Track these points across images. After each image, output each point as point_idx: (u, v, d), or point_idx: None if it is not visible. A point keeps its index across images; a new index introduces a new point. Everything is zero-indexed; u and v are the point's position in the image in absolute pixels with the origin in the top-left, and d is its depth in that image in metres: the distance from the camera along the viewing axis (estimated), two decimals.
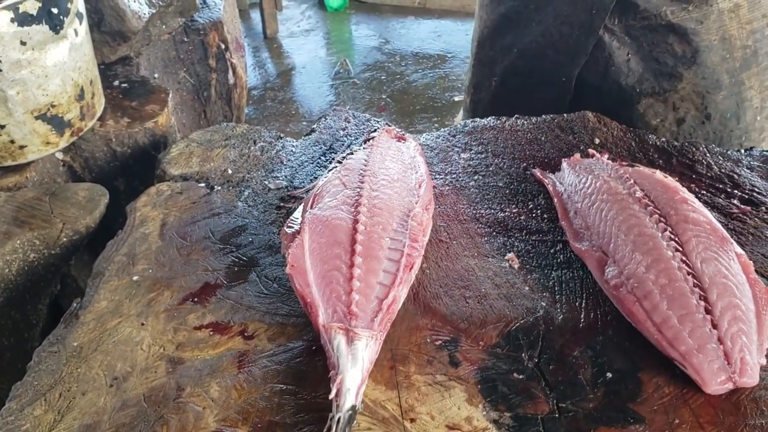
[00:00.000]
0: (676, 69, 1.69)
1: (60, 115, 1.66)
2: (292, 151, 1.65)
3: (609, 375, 1.04)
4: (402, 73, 4.91)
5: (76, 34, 1.66)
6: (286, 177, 1.56)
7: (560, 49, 1.82)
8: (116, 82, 1.99)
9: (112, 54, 2.05)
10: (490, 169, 1.56)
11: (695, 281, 1.09)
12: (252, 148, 1.66)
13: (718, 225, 1.21)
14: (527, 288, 1.21)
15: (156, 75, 2.16)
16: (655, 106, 1.64)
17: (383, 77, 4.85)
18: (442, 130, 1.72)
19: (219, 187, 1.51)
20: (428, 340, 1.11)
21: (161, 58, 2.21)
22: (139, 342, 1.13)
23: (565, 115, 1.71)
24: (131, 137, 1.75)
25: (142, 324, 1.16)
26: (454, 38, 5.39)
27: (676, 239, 1.16)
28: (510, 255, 1.29)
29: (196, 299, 1.21)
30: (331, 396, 0.95)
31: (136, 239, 1.36)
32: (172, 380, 1.06)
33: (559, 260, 1.28)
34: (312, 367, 1.07)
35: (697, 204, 1.26)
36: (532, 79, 1.93)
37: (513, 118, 1.73)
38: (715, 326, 1.03)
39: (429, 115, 4.34)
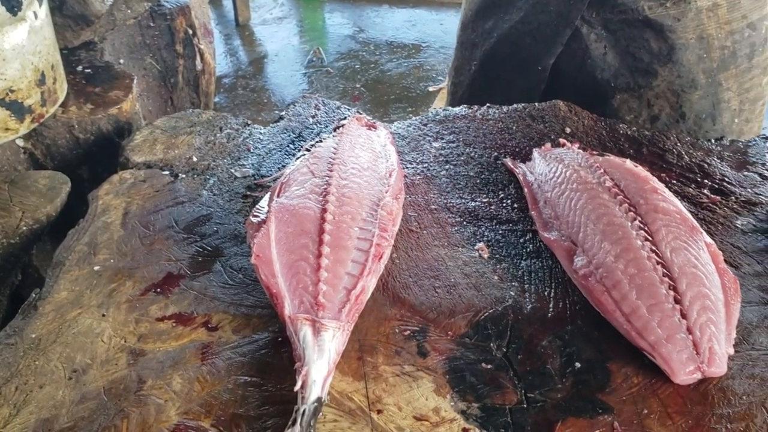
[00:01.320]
0: (651, 66, 1.69)
1: (19, 101, 1.62)
2: (259, 138, 1.62)
3: (577, 365, 1.04)
4: (376, 62, 4.87)
5: (36, 16, 1.62)
6: (252, 165, 1.53)
7: (537, 38, 1.81)
8: (79, 68, 1.94)
9: (75, 39, 2.00)
10: (462, 158, 1.54)
11: (665, 271, 1.09)
12: (218, 135, 1.62)
13: (688, 214, 1.21)
14: (496, 278, 1.20)
15: (121, 61, 2.11)
16: (629, 101, 1.64)
17: (357, 66, 4.82)
18: (414, 118, 1.70)
19: (183, 175, 1.48)
20: (397, 330, 1.10)
21: (126, 43, 2.16)
22: (99, 333, 1.10)
23: (536, 104, 1.71)
24: (94, 124, 1.71)
25: (103, 315, 1.13)
26: (429, 28, 5.36)
27: (646, 229, 1.16)
28: (480, 245, 1.28)
29: (158, 290, 1.18)
30: (297, 388, 0.93)
31: (98, 228, 1.32)
32: (133, 372, 1.03)
33: (528, 250, 1.27)
34: (277, 359, 1.05)
35: (667, 193, 1.26)
36: (509, 66, 1.92)
37: (485, 107, 1.71)
38: (684, 316, 1.03)
39: (403, 104, 4.32)
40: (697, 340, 1.01)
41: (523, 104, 1.71)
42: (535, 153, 1.48)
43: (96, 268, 1.23)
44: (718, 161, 1.50)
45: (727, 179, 1.44)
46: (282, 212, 1.18)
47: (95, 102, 1.77)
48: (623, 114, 1.66)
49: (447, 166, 1.51)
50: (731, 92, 1.64)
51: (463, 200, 1.40)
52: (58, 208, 1.48)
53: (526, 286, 1.18)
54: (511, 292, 1.17)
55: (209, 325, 1.11)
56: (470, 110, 1.70)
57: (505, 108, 1.70)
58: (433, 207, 1.38)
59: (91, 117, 1.71)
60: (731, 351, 1.02)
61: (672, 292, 1.06)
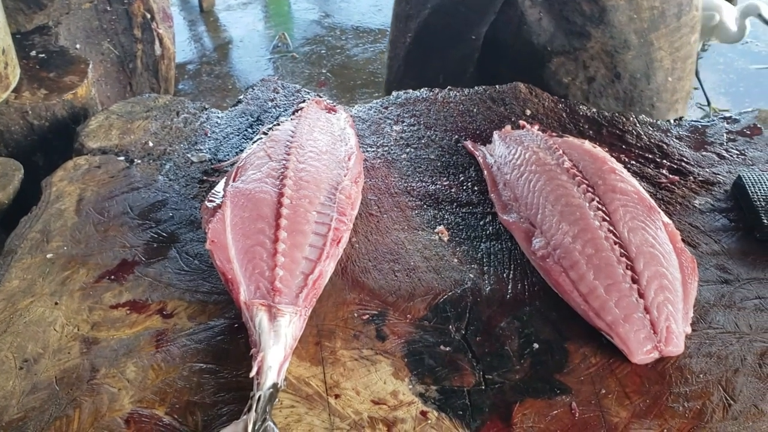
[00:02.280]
0: (584, 28, 1.70)
1: None
2: (216, 122, 1.59)
3: (536, 346, 1.04)
4: (342, 47, 4.83)
5: None
6: (210, 150, 1.50)
7: (471, 6, 1.82)
8: (33, 53, 1.89)
9: (28, 23, 1.95)
10: (422, 141, 1.53)
11: (622, 251, 1.09)
12: (175, 119, 1.59)
13: (646, 194, 1.22)
14: (456, 260, 1.20)
15: (77, 45, 2.06)
16: (566, 64, 1.66)
17: (323, 51, 4.77)
18: (374, 101, 1.68)
19: (139, 161, 1.45)
20: (355, 314, 1.09)
21: (82, 28, 2.11)
22: (52, 322, 1.08)
23: (497, 86, 1.70)
24: (49, 110, 1.67)
25: (56, 303, 1.11)
26: None
27: (604, 209, 1.16)
28: (440, 228, 1.27)
29: (112, 277, 1.16)
30: (252, 374, 0.92)
31: (51, 215, 1.29)
32: (86, 361, 1.01)
33: (488, 232, 1.26)
34: (234, 346, 1.04)
35: (626, 174, 1.26)
36: (444, 36, 1.93)
37: (446, 90, 1.70)
38: (641, 295, 1.04)
39: (370, 90, 4.29)
40: (655, 320, 1.01)
41: (483, 86, 1.70)
42: (496, 135, 1.47)
43: (49, 255, 1.20)
44: (677, 141, 1.50)
45: (685, 159, 1.45)
46: (238, 197, 1.16)
47: (50, 87, 1.72)
48: (561, 77, 1.68)
49: (408, 150, 1.50)
50: (663, 51, 1.67)
51: (423, 184, 1.39)
52: (10, 196, 1.44)
53: (486, 268, 1.18)
54: (471, 275, 1.16)
55: (164, 312, 1.09)
56: (431, 93, 1.69)
57: (466, 90, 1.70)
58: (393, 191, 1.37)
59: (45, 102, 1.67)
60: (688, 330, 1.03)
61: (629, 272, 1.06)
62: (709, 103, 3.57)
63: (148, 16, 2.28)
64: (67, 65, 1.79)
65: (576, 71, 1.65)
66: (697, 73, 3.56)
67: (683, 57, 1.75)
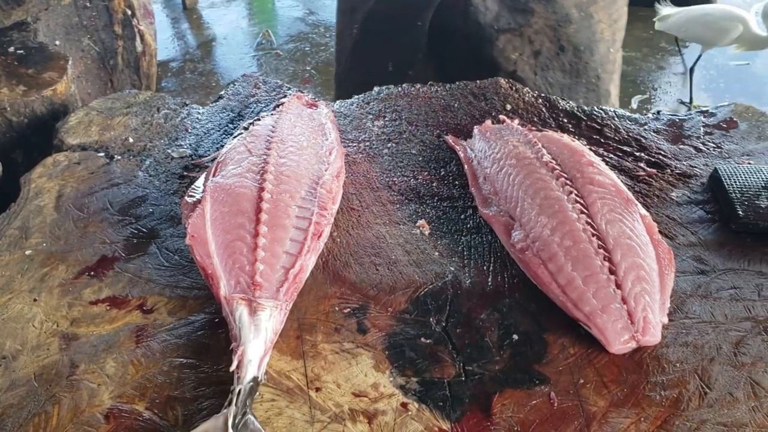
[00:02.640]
0: (527, 4, 1.72)
1: None
2: (197, 118, 1.59)
3: (515, 337, 1.04)
4: (326, 44, 4.83)
5: None
6: (190, 145, 1.50)
7: None
8: (11, 48, 1.87)
9: (6, 19, 1.93)
10: (404, 136, 1.53)
11: (600, 242, 1.10)
12: (155, 115, 1.59)
13: (623, 187, 1.23)
14: (437, 254, 1.20)
15: (57, 42, 2.05)
16: (513, 41, 1.68)
17: (307, 48, 4.77)
18: (356, 97, 1.69)
19: (119, 157, 1.45)
20: (337, 308, 1.09)
21: (62, 24, 2.10)
22: (30, 319, 1.07)
23: (477, 81, 1.71)
24: (28, 106, 1.66)
25: (35, 300, 1.10)
26: None
27: (582, 201, 1.17)
28: (421, 222, 1.28)
29: (92, 273, 1.15)
30: (233, 368, 0.92)
31: (30, 212, 1.29)
32: (65, 357, 1.01)
33: (468, 226, 1.27)
34: (214, 340, 1.04)
35: (603, 167, 1.27)
36: (390, 24, 1.95)
37: (427, 85, 1.71)
38: (618, 286, 1.05)
39: None
40: (632, 310, 1.02)
41: (464, 81, 1.71)
42: (476, 130, 1.48)
43: (28, 252, 1.19)
44: (655, 135, 1.52)
45: (662, 152, 1.46)
46: (218, 192, 1.16)
47: (28, 83, 1.71)
48: (509, 53, 1.70)
49: (389, 145, 1.51)
50: (603, 24, 1.70)
51: (405, 178, 1.40)
52: None
53: (466, 261, 1.19)
54: (451, 268, 1.17)
55: (144, 308, 1.09)
56: (413, 88, 1.70)
57: (447, 86, 1.70)
58: (374, 185, 1.38)
59: (24, 99, 1.66)
60: (665, 320, 1.04)
61: (607, 264, 1.07)
62: (691, 101, 3.60)
63: (129, 12, 2.27)
64: (46, 61, 1.78)
65: (522, 47, 1.68)
66: (691, 72, 3.59)
67: (621, 28, 1.80)
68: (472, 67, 1.77)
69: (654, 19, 3.59)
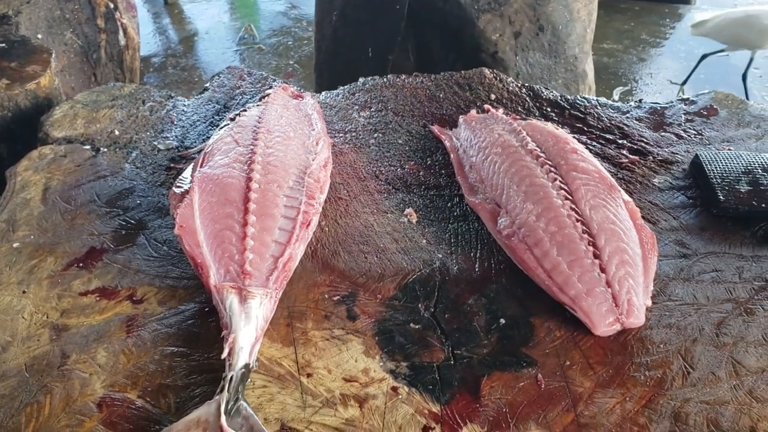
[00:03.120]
0: None
1: None
2: (183, 110, 1.59)
3: (502, 321, 1.06)
4: (309, 38, 4.82)
5: None
6: (176, 137, 1.50)
7: None
8: None
9: None
10: (390, 126, 1.54)
11: (584, 228, 1.12)
12: (141, 108, 1.59)
13: (607, 174, 1.24)
14: (425, 241, 1.22)
15: (39, 35, 2.04)
16: (493, 21, 1.70)
17: (290, 42, 4.76)
18: (341, 88, 1.69)
19: (105, 149, 1.45)
20: (326, 296, 1.10)
21: (44, 17, 2.08)
22: (20, 310, 1.07)
23: (462, 72, 1.72)
24: (11, 100, 1.65)
25: (24, 292, 1.10)
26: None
27: (566, 188, 1.18)
28: (408, 210, 1.29)
29: (81, 264, 1.16)
30: (224, 355, 0.93)
31: (17, 205, 1.28)
32: (56, 348, 1.01)
33: (455, 214, 1.29)
34: (205, 329, 1.04)
35: (587, 154, 1.29)
36: (370, 10, 1.95)
37: (412, 76, 1.72)
38: (603, 270, 1.06)
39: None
40: (616, 293, 1.04)
41: (449, 72, 1.72)
42: (461, 119, 1.50)
43: (15, 244, 1.19)
44: (637, 123, 1.54)
45: (645, 140, 1.48)
46: (206, 182, 1.17)
47: (11, 77, 1.70)
48: (489, 34, 1.72)
49: (375, 135, 1.52)
50: (579, 3, 1.72)
51: (391, 167, 1.41)
52: None
53: (453, 248, 1.20)
54: (439, 255, 1.18)
55: (134, 298, 1.10)
56: (398, 79, 1.71)
57: (432, 76, 1.71)
58: (361, 175, 1.39)
59: (7, 92, 1.65)
60: (649, 302, 1.06)
61: (591, 248, 1.09)
62: (685, 82, 3.58)
63: (111, 5, 2.26)
64: (29, 55, 1.77)
65: (503, 27, 1.70)
66: (743, 78, 3.37)
67: (594, 9, 1.82)
68: (453, 50, 1.78)
69: (690, 26, 3.42)
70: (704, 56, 3.52)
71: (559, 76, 1.75)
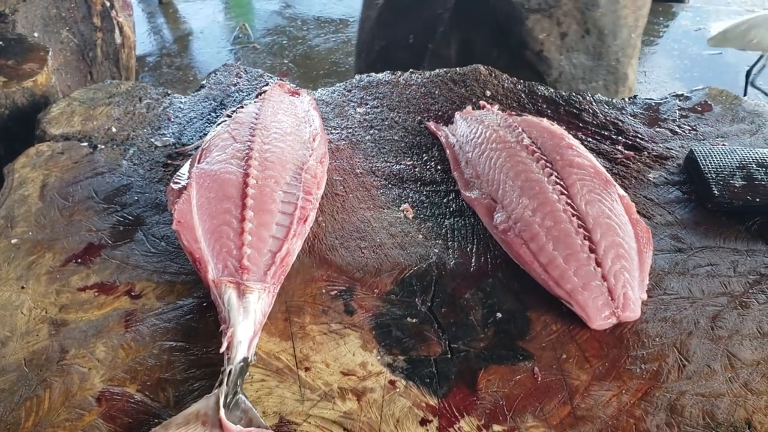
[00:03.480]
0: None
1: None
2: (180, 107, 1.59)
3: (499, 315, 1.07)
4: (304, 37, 4.83)
5: None
6: (173, 134, 1.50)
7: None
8: None
9: None
10: (386, 123, 1.55)
11: (580, 222, 1.12)
12: (137, 105, 1.59)
13: (602, 169, 1.25)
14: (421, 236, 1.22)
15: (35, 34, 2.04)
16: (541, 21, 1.71)
17: (285, 42, 4.76)
18: (338, 84, 1.70)
19: (102, 146, 1.45)
20: (324, 290, 1.11)
21: (41, 16, 2.08)
22: (19, 306, 1.08)
23: (457, 69, 1.73)
24: (8, 97, 1.64)
25: (22, 287, 1.11)
26: (356, 2, 5.27)
27: (562, 183, 1.19)
28: (405, 206, 1.29)
29: (79, 260, 1.16)
30: (223, 349, 0.94)
31: (15, 201, 1.29)
32: (55, 343, 1.02)
33: (451, 209, 1.29)
34: (203, 324, 1.05)
35: (582, 149, 1.29)
36: None
37: (407, 73, 1.72)
38: (599, 264, 1.07)
39: (332, 79, 4.29)
40: (612, 287, 1.05)
41: (444, 69, 1.73)
42: (457, 116, 1.50)
43: (14, 241, 1.20)
44: (632, 119, 1.55)
45: (640, 135, 1.49)
46: (203, 178, 1.17)
47: (8, 75, 1.70)
48: (537, 33, 1.73)
49: (372, 131, 1.52)
50: (627, 9, 1.74)
51: (388, 164, 1.41)
52: None
53: (450, 243, 1.21)
54: (436, 250, 1.19)
55: (132, 294, 1.10)
56: (393, 76, 1.71)
57: (427, 73, 1.72)
58: (358, 171, 1.39)
59: (4, 90, 1.65)
60: (644, 296, 1.07)
61: (587, 242, 1.10)
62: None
63: (108, 4, 2.26)
64: (26, 53, 1.77)
65: (551, 27, 1.71)
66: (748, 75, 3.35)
67: (644, 15, 1.83)
68: (497, 46, 1.78)
69: (707, 41, 3.30)
70: (749, 72, 3.40)
71: (600, 78, 1.77)
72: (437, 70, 1.73)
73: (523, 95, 1.64)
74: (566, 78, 1.72)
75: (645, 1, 1.81)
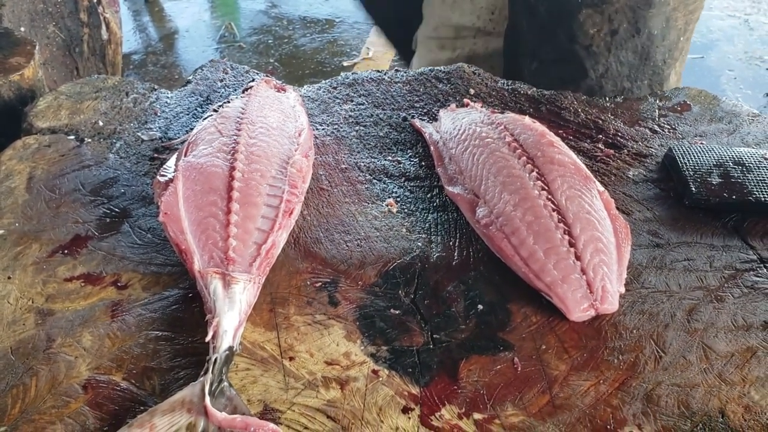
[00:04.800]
0: None
1: None
2: (166, 102, 1.60)
3: (480, 307, 1.09)
4: (290, 37, 4.84)
5: None
6: (160, 128, 1.51)
7: None
8: None
9: None
10: (371, 119, 1.57)
11: (560, 217, 1.15)
12: (124, 99, 1.60)
13: (582, 165, 1.28)
14: (405, 230, 1.24)
15: (22, 29, 2.03)
16: (593, 16, 1.73)
17: (270, 41, 4.77)
18: (323, 81, 1.72)
19: (89, 140, 1.46)
20: (308, 282, 1.12)
21: (27, 10, 2.08)
22: (5, 296, 1.08)
23: (442, 67, 1.75)
24: None
25: (9, 278, 1.11)
26: (342, 3, 5.35)
27: (543, 179, 1.21)
28: (389, 200, 1.31)
29: (66, 251, 1.17)
30: (208, 339, 0.95)
31: (2, 193, 1.29)
32: (41, 332, 1.02)
33: (435, 204, 1.31)
34: (189, 314, 1.06)
35: (563, 147, 1.32)
36: None
37: (392, 70, 1.74)
38: (578, 258, 1.09)
39: (318, 79, 4.27)
40: (591, 280, 1.07)
41: (429, 67, 1.75)
42: (441, 113, 1.52)
43: (0, 232, 1.20)
44: (612, 117, 1.58)
45: (620, 134, 1.52)
46: (190, 171, 1.19)
47: None
48: (587, 28, 1.74)
49: (357, 127, 1.54)
50: (678, 12, 1.76)
51: (372, 159, 1.43)
52: None
53: (433, 237, 1.23)
54: (419, 243, 1.21)
55: (119, 284, 1.11)
56: (379, 73, 1.73)
57: (411, 72, 1.74)
58: (343, 166, 1.41)
59: None
60: (622, 290, 1.10)
61: (567, 237, 1.12)
62: None
63: (95, 0, 2.26)
64: (12, 46, 1.77)
65: (602, 24, 1.73)
66: None
67: (695, 19, 1.85)
68: (546, 36, 1.80)
69: None
70: None
71: (645, 77, 1.79)
72: (422, 68, 1.75)
73: (506, 93, 1.67)
74: (612, 75, 1.74)
75: (697, 5, 1.82)
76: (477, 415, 0.93)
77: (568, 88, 1.70)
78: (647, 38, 1.76)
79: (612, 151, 1.46)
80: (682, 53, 1.88)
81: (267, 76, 1.66)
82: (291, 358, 0.99)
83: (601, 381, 0.97)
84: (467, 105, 1.54)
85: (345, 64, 4.44)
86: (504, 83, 1.70)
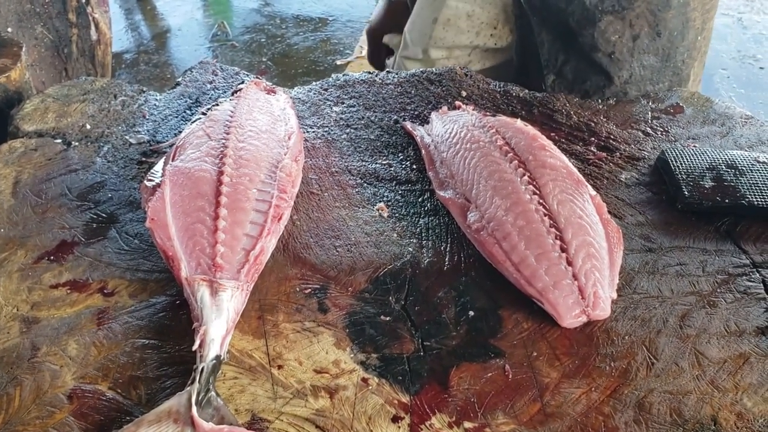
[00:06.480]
0: None
1: None
2: (155, 104, 1.59)
3: (471, 313, 1.08)
4: (283, 35, 4.82)
5: None
6: (148, 131, 1.50)
7: None
8: None
9: None
10: (362, 122, 1.56)
11: (551, 222, 1.14)
12: (112, 102, 1.58)
13: (574, 169, 1.27)
14: (396, 235, 1.23)
15: (9, 29, 2.01)
16: (614, 23, 1.72)
17: (263, 40, 4.75)
18: (314, 83, 1.70)
19: (76, 143, 1.44)
20: (297, 289, 1.11)
21: (14, 11, 2.06)
22: None
23: (433, 69, 1.74)
24: None
25: None
26: (335, 1, 5.33)
27: (534, 183, 1.20)
28: (380, 204, 1.30)
29: (52, 257, 1.15)
30: (195, 347, 0.94)
31: None
32: (26, 340, 1.01)
33: (426, 208, 1.30)
34: (176, 322, 1.05)
35: (555, 150, 1.31)
36: None
37: (384, 72, 1.73)
38: (570, 263, 1.08)
39: (311, 78, 4.28)
40: (583, 286, 1.06)
41: (421, 69, 1.74)
42: (433, 115, 1.51)
43: None
44: (605, 120, 1.57)
45: (612, 137, 1.51)
46: (177, 175, 1.17)
47: None
48: (609, 35, 1.74)
49: (348, 130, 1.53)
50: (696, 12, 1.76)
51: (363, 163, 1.42)
52: None
53: (424, 242, 1.22)
54: (410, 248, 1.20)
55: (105, 291, 1.10)
56: (370, 75, 1.72)
57: (403, 74, 1.73)
58: (333, 170, 1.40)
59: None
60: (614, 295, 1.09)
61: (558, 242, 1.11)
62: None
63: (83, 0, 2.24)
64: None
65: (623, 30, 1.72)
66: None
67: (711, 17, 1.85)
68: (564, 49, 1.79)
69: None
70: None
71: (666, 79, 1.78)
72: (413, 70, 1.74)
73: (497, 96, 1.66)
74: (636, 80, 1.73)
75: (713, 4, 1.83)
76: (468, 424, 0.92)
77: (592, 98, 1.70)
78: (667, 40, 1.76)
79: (604, 154, 1.45)
80: (700, 53, 1.88)
81: (257, 77, 1.64)
82: (279, 367, 0.98)
83: (593, 388, 0.97)
84: (459, 107, 1.53)
85: (338, 62, 4.42)
86: (496, 85, 1.69)
